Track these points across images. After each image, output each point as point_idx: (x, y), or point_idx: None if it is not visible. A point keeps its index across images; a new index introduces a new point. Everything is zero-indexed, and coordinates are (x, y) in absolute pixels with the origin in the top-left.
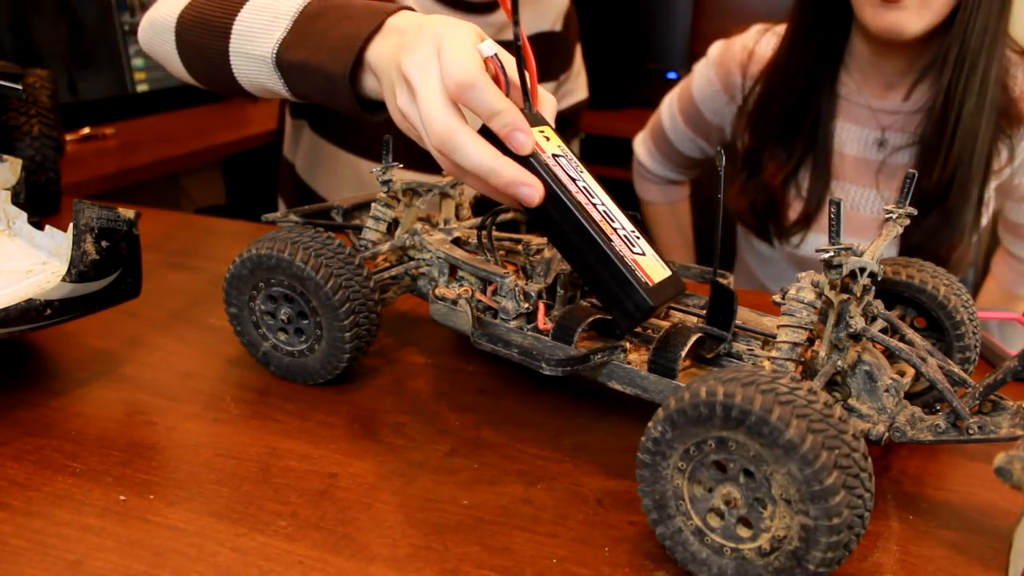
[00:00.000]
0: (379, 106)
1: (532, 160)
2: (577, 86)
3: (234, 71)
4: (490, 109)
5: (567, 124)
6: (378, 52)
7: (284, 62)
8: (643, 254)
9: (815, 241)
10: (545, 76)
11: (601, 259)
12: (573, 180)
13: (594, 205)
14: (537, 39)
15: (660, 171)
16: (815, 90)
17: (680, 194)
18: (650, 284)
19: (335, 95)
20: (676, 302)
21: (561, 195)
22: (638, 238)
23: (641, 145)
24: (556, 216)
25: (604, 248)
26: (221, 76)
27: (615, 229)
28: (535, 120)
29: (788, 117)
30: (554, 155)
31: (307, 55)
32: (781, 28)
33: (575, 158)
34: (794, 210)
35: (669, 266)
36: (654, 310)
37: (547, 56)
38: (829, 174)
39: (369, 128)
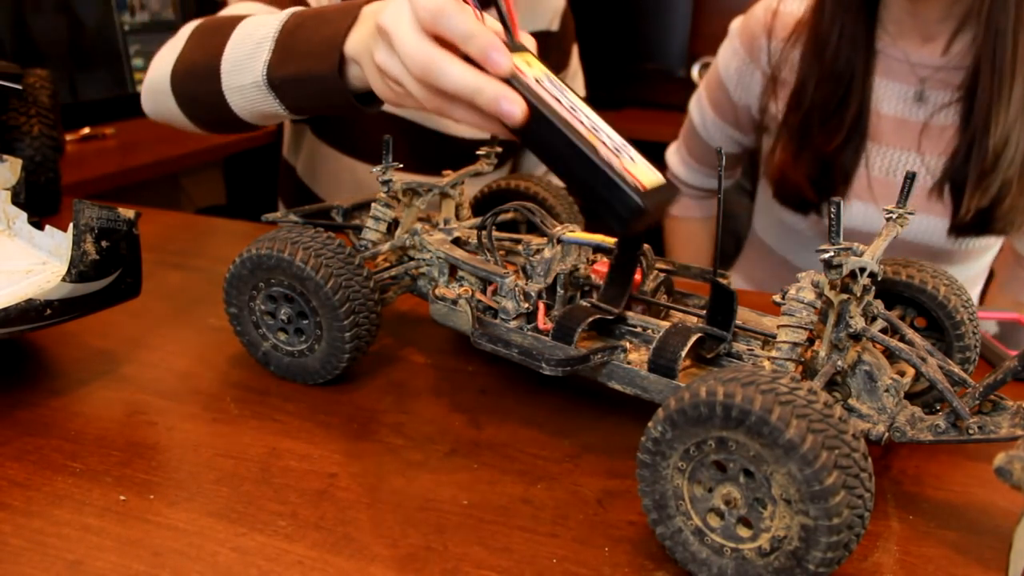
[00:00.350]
0: (374, 97)
1: (512, 81)
2: (574, 87)
3: (232, 107)
4: (464, 33)
5: None
6: (356, 40)
7: (275, 81)
8: (633, 161)
9: (858, 210)
10: None
11: (588, 167)
12: (557, 99)
13: (579, 120)
14: (535, 38)
15: (696, 180)
16: (853, 47)
17: (714, 209)
18: (640, 188)
19: (330, 97)
20: (676, 302)
21: (543, 110)
22: (628, 147)
23: (674, 155)
24: (541, 131)
25: (590, 156)
26: (223, 116)
27: (602, 141)
28: (515, 48)
29: (831, 80)
30: (536, 79)
31: (295, 68)
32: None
33: (560, 81)
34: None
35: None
36: (645, 212)
37: (543, 56)
38: (866, 134)
39: (369, 132)
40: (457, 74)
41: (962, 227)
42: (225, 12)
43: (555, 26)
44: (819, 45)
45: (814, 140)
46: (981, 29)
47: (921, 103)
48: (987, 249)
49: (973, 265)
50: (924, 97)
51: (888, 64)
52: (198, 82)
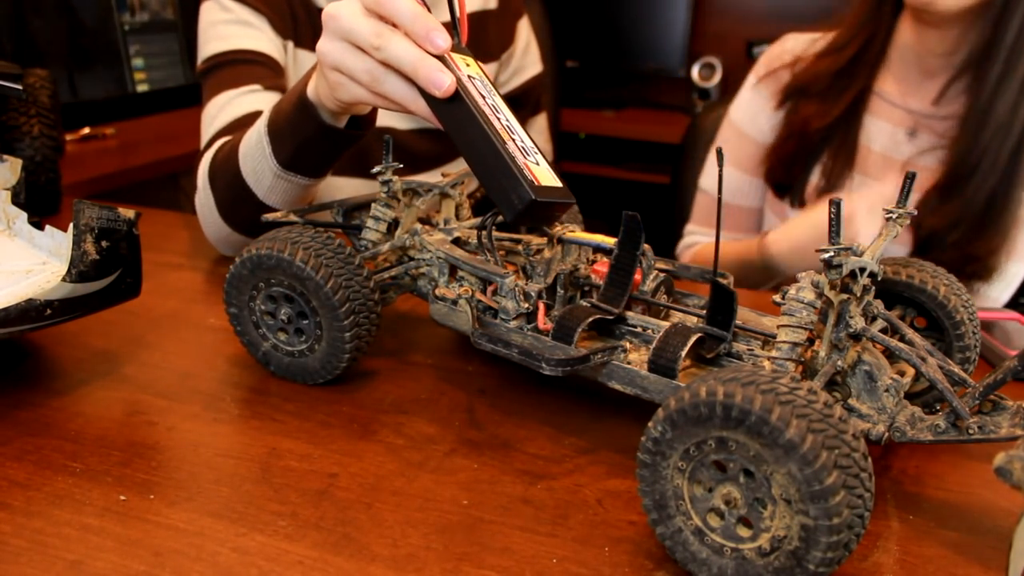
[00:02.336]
0: (357, 123)
1: (447, 61)
2: (527, 63)
3: (278, 207)
4: (407, 13)
5: (523, 102)
6: (313, 84)
7: (286, 162)
8: (537, 164)
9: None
10: (483, 57)
11: (494, 156)
12: (482, 95)
13: (498, 118)
14: (469, 20)
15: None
16: (852, 78)
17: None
18: (535, 183)
19: (326, 142)
20: (676, 302)
21: (466, 96)
22: (536, 153)
23: (696, 237)
24: (461, 115)
25: (498, 146)
26: (249, 204)
27: (513, 139)
28: (461, 51)
29: (832, 113)
30: (469, 76)
31: (291, 140)
32: (814, 35)
33: (493, 89)
34: (812, 185)
35: (563, 182)
36: (536, 204)
37: (483, 36)
38: (852, 165)
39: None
40: (402, 45)
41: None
42: (209, 114)
43: (493, 3)
44: (828, 53)
45: (800, 122)
46: (974, 81)
47: (912, 139)
48: None
49: None
50: (914, 136)
51: (884, 107)
52: (247, 209)
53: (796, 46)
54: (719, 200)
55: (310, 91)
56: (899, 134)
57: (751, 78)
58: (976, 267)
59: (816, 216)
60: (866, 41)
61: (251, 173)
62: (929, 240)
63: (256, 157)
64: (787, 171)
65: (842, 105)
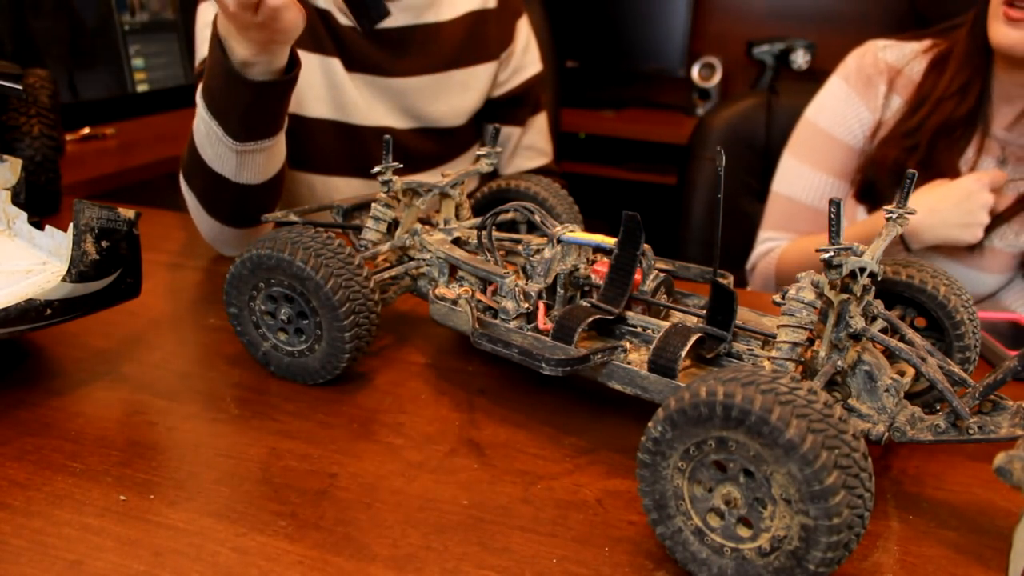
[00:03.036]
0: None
1: None
2: (526, 62)
3: (249, 182)
4: None
5: (522, 101)
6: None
7: (234, 132)
8: None
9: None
10: (483, 56)
11: None
12: None
13: None
14: (468, 19)
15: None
16: (972, 113)
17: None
18: None
19: (258, 94)
20: (676, 302)
21: None
22: None
23: (776, 243)
24: None
25: None
26: (227, 191)
27: None
28: None
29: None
30: None
31: (230, 108)
32: (906, 44)
33: None
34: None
35: None
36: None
37: (482, 35)
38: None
39: (318, 144)
40: None
41: None
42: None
43: (492, 3)
44: (944, 120)
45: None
46: None
47: (1002, 166)
48: None
49: None
50: (1006, 163)
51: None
52: (227, 196)
53: (890, 56)
54: (718, 200)
55: (234, 59)
56: (982, 159)
57: (838, 81)
58: None
59: (959, 185)
60: (982, 80)
61: (215, 159)
62: None
63: (213, 143)
64: (884, 178)
65: (966, 145)
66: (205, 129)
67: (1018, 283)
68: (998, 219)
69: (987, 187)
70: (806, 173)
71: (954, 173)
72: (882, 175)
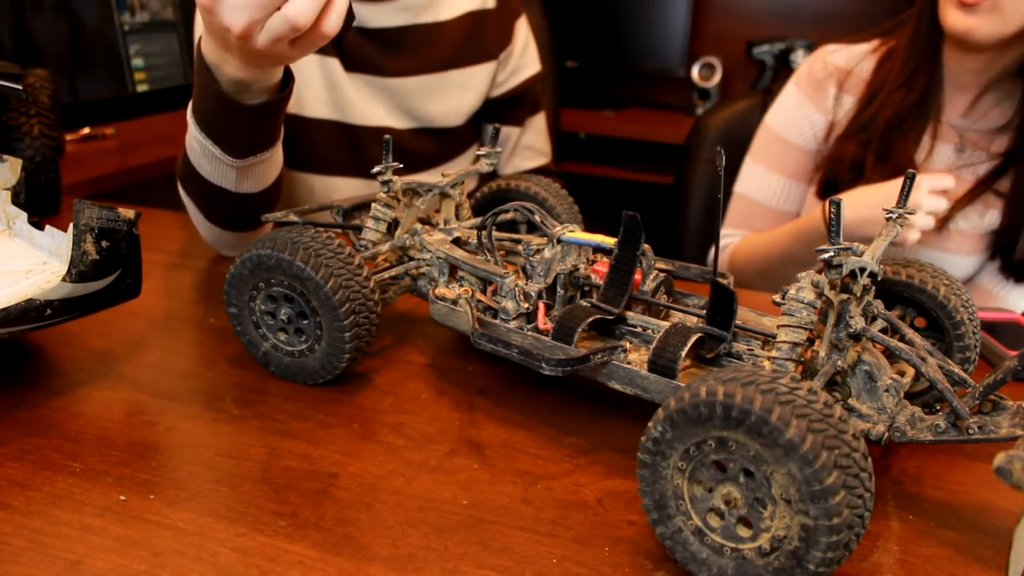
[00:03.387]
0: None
1: None
2: (525, 62)
3: (247, 189)
4: None
5: (521, 101)
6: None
7: (235, 152)
8: None
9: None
10: (482, 57)
11: None
12: None
13: None
14: (466, 19)
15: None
16: (921, 103)
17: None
18: None
19: (255, 116)
20: (676, 302)
21: None
22: None
23: (734, 239)
24: None
25: None
26: (226, 200)
27: None
28: None
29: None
30: None
31: (229, 132)
32: (857, 47)
33: None
34: None
35: None
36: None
37: (481, 35)
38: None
39: (315, 145)
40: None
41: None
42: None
43: (490, 3)
44: (895, 112)
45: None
46: (1007, 91)
47: (960, 153)
48: None
49: None
50: (964, 150)
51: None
52: (227, 204)
53: (839, 59)
54: (718, 200)
55: (225, 84)
56: (939, 146)
57: (791, 87)
58: None
59: (887, 187)
60: (930, 69)
61: (214, 174)
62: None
63: (210, 160)
64: (843, 174)
65: (919, 135)
66: (200, 148)
67: (991, 265)
68: (959, 202)
69: (920, 189)
70: (763, 175)
71: (910, 164)
72: (841, 172)
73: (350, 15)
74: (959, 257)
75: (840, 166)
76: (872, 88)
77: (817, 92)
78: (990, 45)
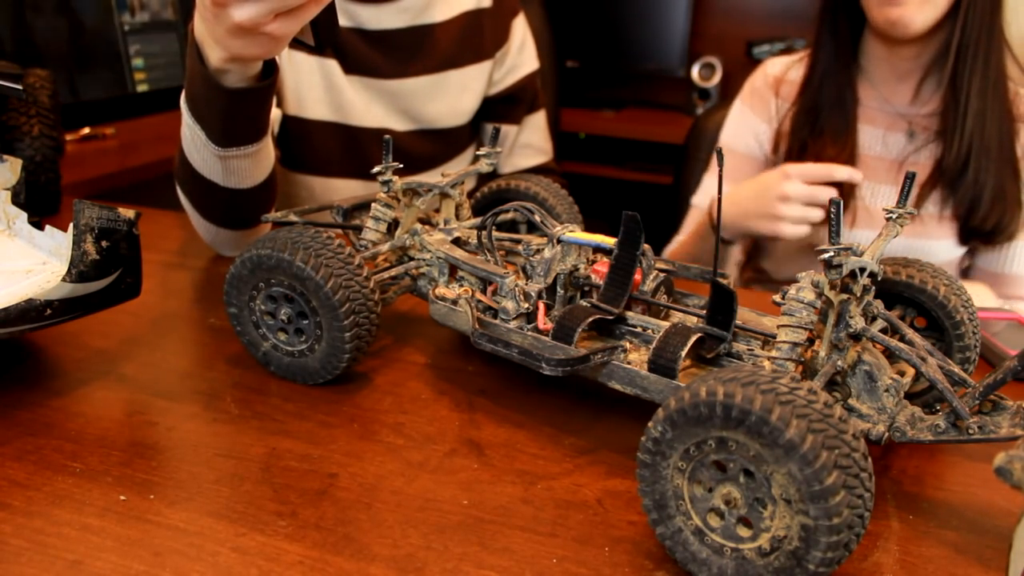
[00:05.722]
0: (267, 73)
1: None
2: (521, 60)
3: (240, 186)
4: None
5: (519, 99)
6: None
7: (217, 139)
8: None
9: (858, 235)
10: (478, 56)
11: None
12: None
13: None
14: (463, 19)
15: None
16: (840, 95)
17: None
18: None
19: (237, 100)
20: (676, 302)
21: None
22: None
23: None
24: None
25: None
26: (217, 195)
27: None
28: None
29: (830, 117)
30: None
31: (211, 114)
32: (793, 56)
33: None
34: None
35: None
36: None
37: (477, 35)
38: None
39: (314, 146)
40: None
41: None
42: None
43: (487, 2)
44: (812, 106)
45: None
46: (945, 75)
47: (911, 140)
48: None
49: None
50: (913, 136)
51: (873, 114)
52: (218, 201)
53: (775, 70)
54: (718, 200)
55: (210, 65)
56: (891, 136)
57: (737, 103)
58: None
59: (760, 179)
60: (840, 66)
61: (202, 164)
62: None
63: (199, 148)
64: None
65: (844, 131)
66: (190, 134)
67: (962, 250)
68: (925, 187)
69: (790, 179)
70: (713, 184)
71: (846, 159)
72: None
73: (335, 16)
74: (936, 243)
75: (783, 144)
76: (800, 90)
77: (759, 103)
78: (922, 31)
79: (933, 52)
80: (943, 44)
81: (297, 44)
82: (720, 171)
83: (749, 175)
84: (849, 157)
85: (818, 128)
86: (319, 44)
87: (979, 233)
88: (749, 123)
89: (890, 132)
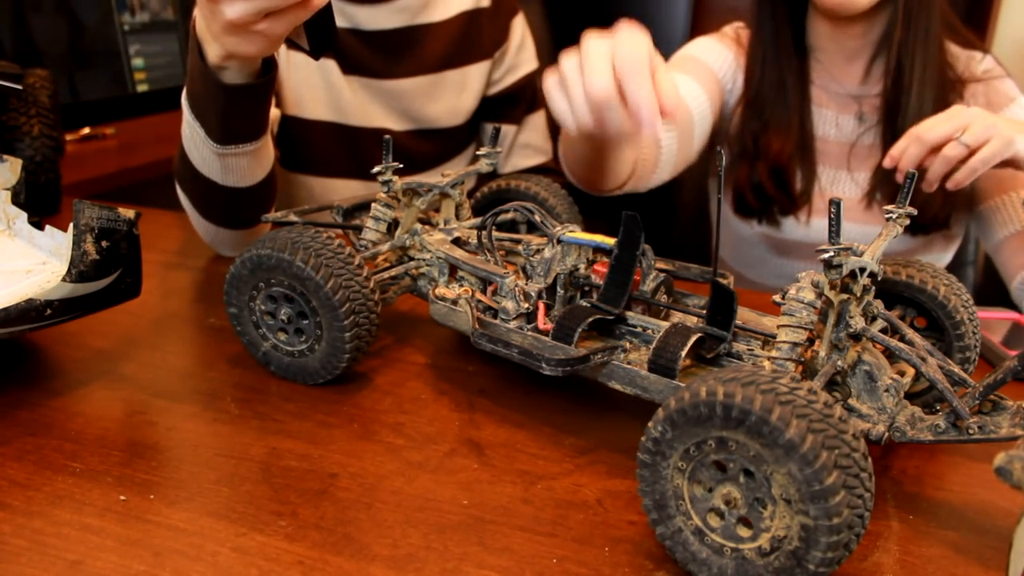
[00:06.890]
0: (267, 70)
1: None
2: (521, 60)
3: (236, 184)
4: None
5: (518, 99)
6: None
7: (216, 136)
8: None
9: (817, 225)
10: (477, 56)
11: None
12: None
13: None
14: (461, 19)
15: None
16: (780, 80)
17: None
18: None
19: (236, 96)
20: (676, 302)
21: None
22: None
23: None
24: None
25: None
26: (216, 194)
27: None
28: None
29: (774, 104)
30: None
31: (210, 110)
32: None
33: None
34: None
35: None
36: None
37: (475, 34)
38: (814, 159)
39: (313, 146)
40: None
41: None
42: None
43: (485, 2)
44: (754, 67)
45: (769, 150)
46: (893, 54)
47: (862, 122)
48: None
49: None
50: (863, 119)
51: (823, 95)
52: (217, 199)
53: (743, 35)
54: (718, 200)
55: (209, 61)
56: (843, 118)
57: (706, 37)
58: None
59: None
60: (773, 53)
61: (201, 162)
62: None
63: (198, 145)
64: (756, 195)
65: (792, 117)
66: (190, 131)
67: (914, 240)
68: (879, 170)
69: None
70: (679, 79)
71: (797, 145)
72: (734, 149)
73: (331, 24)
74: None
75: (734, 144)
76: (744, 83)
77: (730, 42)
78: (867, 6)
79: (880, 30)
80: (890, 20)
81: (293, 46)
82: (721, 173)
83: (709, 83)
84: (800, 143)
85: (764, 118)
86: (314, 50)
87: (933, 223)
88: (720, 49)
89: (842, 114)
